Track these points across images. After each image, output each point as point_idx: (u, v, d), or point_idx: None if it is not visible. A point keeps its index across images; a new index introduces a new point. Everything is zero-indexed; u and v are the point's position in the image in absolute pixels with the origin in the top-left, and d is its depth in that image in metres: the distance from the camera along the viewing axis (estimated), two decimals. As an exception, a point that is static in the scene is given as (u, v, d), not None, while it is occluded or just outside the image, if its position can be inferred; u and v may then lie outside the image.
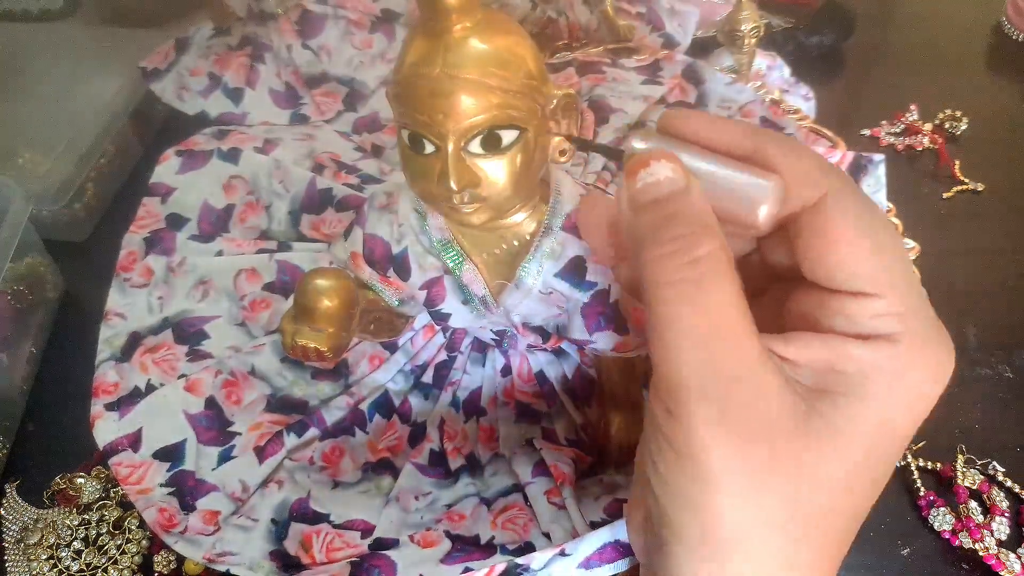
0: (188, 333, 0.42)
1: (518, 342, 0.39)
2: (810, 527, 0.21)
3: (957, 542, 0.35)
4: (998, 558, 0.35)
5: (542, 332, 0.36)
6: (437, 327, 0.40)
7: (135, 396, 0.39)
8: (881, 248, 0.21)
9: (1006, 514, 0.36)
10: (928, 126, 0.55)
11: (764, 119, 0.49)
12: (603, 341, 0.33)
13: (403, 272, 0.35)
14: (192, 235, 0.46)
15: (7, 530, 0.38)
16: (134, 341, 0.42)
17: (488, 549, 0.33)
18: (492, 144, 0.28)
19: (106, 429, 0.38)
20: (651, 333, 0.21)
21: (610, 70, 0.53)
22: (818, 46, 0.62)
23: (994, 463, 0.38)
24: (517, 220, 0.32)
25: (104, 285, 0.44)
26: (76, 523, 0.38)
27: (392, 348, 0.41)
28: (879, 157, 0.44)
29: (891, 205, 0.48)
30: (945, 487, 0.38)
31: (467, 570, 0.32)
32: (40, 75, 0.58)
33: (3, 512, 0.39)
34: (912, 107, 0.56)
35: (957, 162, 0.53)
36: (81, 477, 0.39)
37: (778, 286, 0.25)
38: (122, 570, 0.37)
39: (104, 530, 0.38)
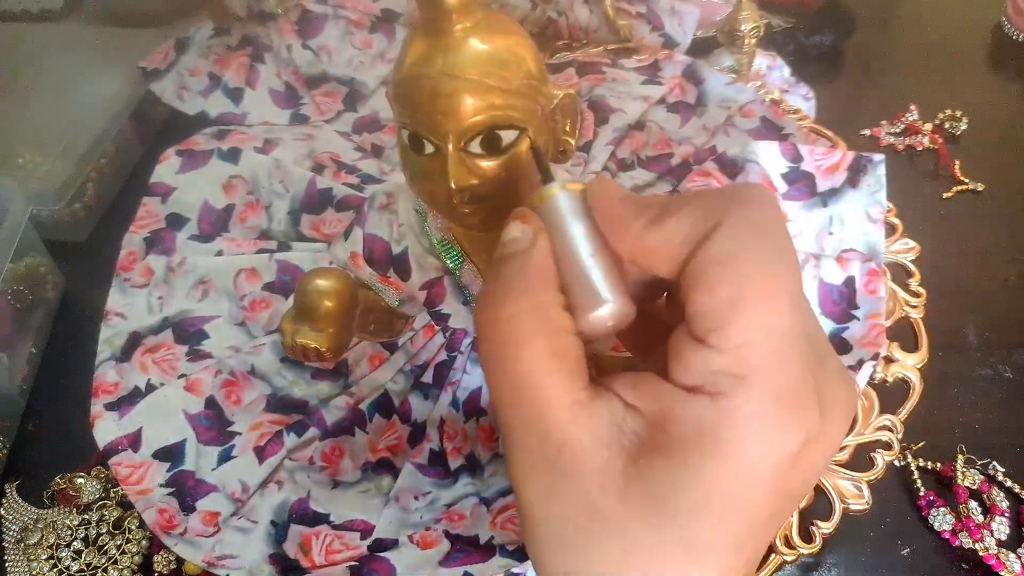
0: (188, 333, 0.42)
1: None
2: None
3: (957, 542, 0.35)
4: (998, 558, 0.35)
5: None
6: (437, 327, 0.40)
7: (135, 396, 0.39)
8: (742, 299, 0.19)
9: (1006, 514, 0.36)
10: (928, 126, 0.55)
11: (764, 119, 0.49)
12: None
13: (403, 272, 0.35)
14: (192, 235, 0.46)
15: (7, 530, 0.38)
16: (134, 341, 0.42)
17: (487, 550, 0.33)
18: (492, 144, 0.28)
19: (106, 429, 0.38)
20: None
21: (610, 70, 0.53)
22: (818, 46, 0.62)
23: (994, 463, 0.38)
24: (517, 220, 0.32)
25: (104, 285, 0.44)
26: (76, 523, 0.38)
27: (392, 348, 0.41)
28: (879, 157, 0.44)
29: (891, 205, 0.48)
30: (945, 487, 0.38)
31: (466, 574, 0.32)
32: (40, 75, 0.58)
33: (3, 512, 0.39)
34: (912, 107, 0.56)
35: (957, 162, 0.53)
36: (81, 477, 0.39)
37: None
38: (122, 570, 0.37)
39: (104, 530, 0.38)
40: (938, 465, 0.38)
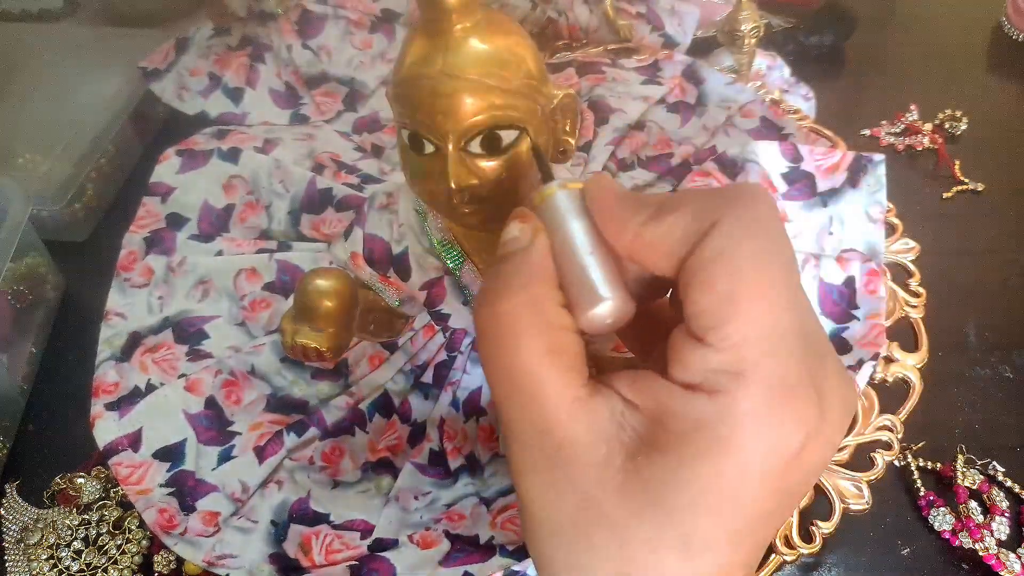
0: (188, 333, 0.42)
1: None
2: None
3: (957, 542, 0.35)
4: (998, 558, 0.35)
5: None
6: (437, 327, 0.40)
7: (135, 396, 0.39)
8: (739, 297, 0.19)
9: (1006, 514, 0.36)
10: (928, 126, 0.55)
11: (764, 119, 0.49)
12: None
13: (403, 272, 0.35)
14: (192, 235, 0.46)
15: (7, 530, 0.38)
16: (134, 341, 0.42)
17: (487, 550, 0.33)
18: (492, 144, 0.28)
19: (106, 429, 0.38)
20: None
21: (610, 70, 0.53)
22: (818, 46, 0.62)
23: (994, 463, 0.38)
24: (517, 220, 0.32)
25: (104, 285, 0.44)
26: (76, 523, 0.38)
27: (392, 348, 0.41)
28: (879, 157, 0.44)
29: (891, 205, 0.48)
30: (945, 487, 0.38)
31: (466, 574, 0.32)
32: (40, 75, 0.58)
33: (3, 512, 0.38)
34: (912, 107, 0.56)
35: (957, 162, 0.53)
36: (81, 477, 0.39)
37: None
38: (122, 570, 0.37)
39: (104, 530, 0.38)
40: (938, 465, 0.38)
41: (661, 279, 0.22)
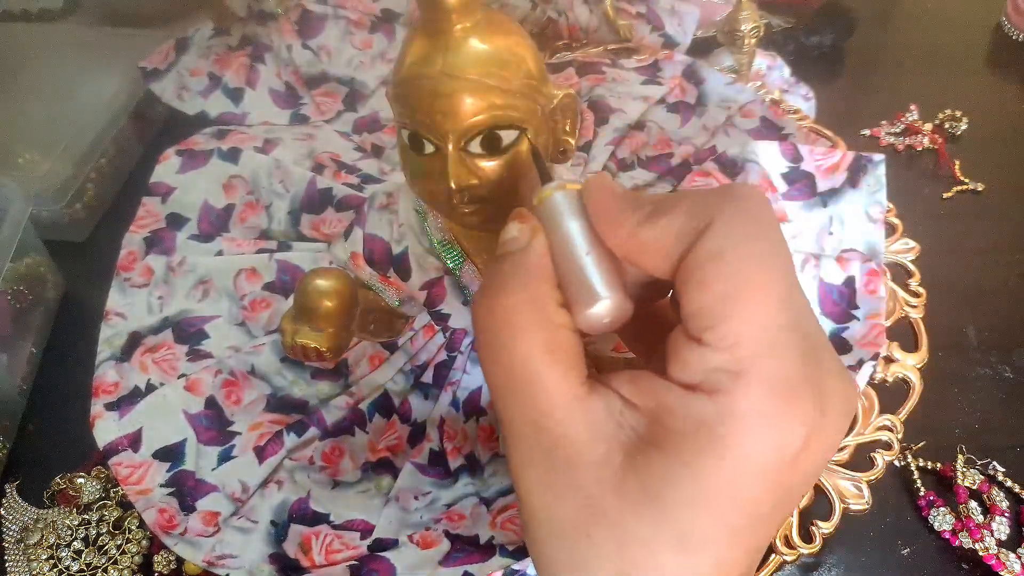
0: (188, 333, 0.42)
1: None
2: None
3: (957, 542, 0.35)
4: (998, 558, 0.35)
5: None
6: (437, 327, 0.40)
7: (135, 396, 0.39)
8: (736, 295, 0.19)
9: (1006, 514, 0.36)
10: (928, 126, 0.55)
11: (764, 119, 0.49)
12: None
13: (403, 272, 0.35)
14: (192, 235, 0.46)
15: (7, 530, 0.38)
16: (134, 341, 0.42)
17: (487, 550, 0.33)
18: (492, 144, 0.28)
19: (106, 429, 0.38)
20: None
21: (610, 70, 0.53)
22: (818, 46, 0.62)
23: (994, 463, 0.38)
24: (517, 220, 0.32)
25: (104, 285, 0.44)
26: (76, 523, 0.38)
27: (392, 348, 0.41)
28: (879, 157, 0.44)
29: (891, 205, 0.48)
30: (945, 487, 0.38)
31: (466, 574, 0.32)
32: (40, 75, 0.58)
33: (3, 512, 0.39)
34: (912, 107, 0.56)
35: (957, 162, 0.53)
36: (81, 477, 0.39)
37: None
38: (122, 570, 0.37)
39: (104, 530, 0.38)
40: (938, 465, 0.38)
41: (662, 281, 0.22)
